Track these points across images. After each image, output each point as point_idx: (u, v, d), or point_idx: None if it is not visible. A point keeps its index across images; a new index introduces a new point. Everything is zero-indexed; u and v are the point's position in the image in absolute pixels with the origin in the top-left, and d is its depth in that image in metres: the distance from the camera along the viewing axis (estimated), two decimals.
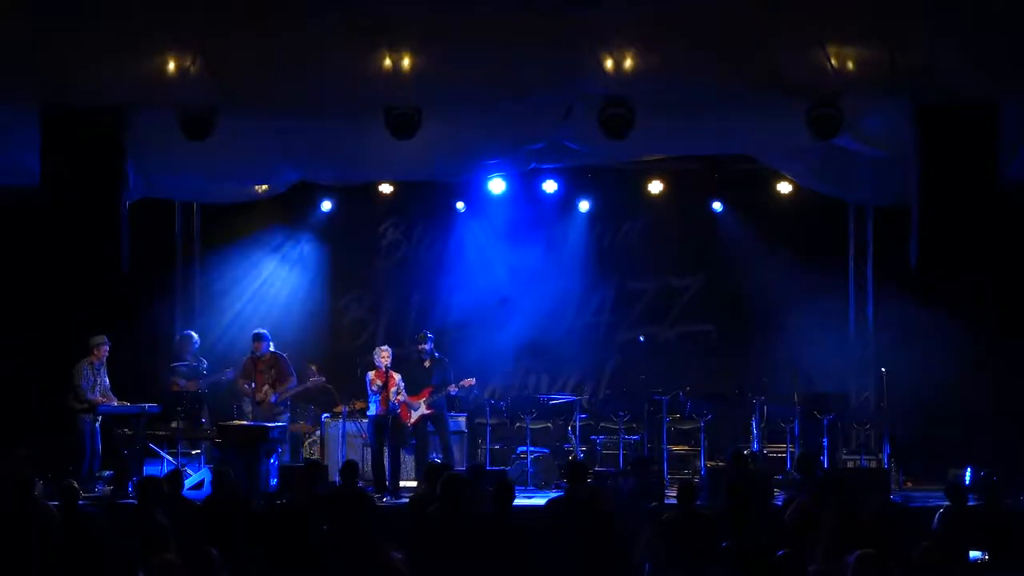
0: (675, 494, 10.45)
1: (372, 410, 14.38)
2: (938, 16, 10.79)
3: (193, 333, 15.78)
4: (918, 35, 10.84)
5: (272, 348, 14.87)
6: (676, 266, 17.28)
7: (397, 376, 14.47)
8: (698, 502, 10.38)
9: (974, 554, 9.22)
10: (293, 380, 14.94)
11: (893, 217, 13.85)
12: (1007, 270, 13.48)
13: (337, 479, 11.53)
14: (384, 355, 14.45)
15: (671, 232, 17.21)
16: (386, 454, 14.21)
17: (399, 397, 14.39)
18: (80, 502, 10.25)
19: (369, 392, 14.42)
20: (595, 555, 9.51)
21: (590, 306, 17.38)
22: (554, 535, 9.69)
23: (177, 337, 15.99)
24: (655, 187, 16.76)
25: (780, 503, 11.18)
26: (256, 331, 14.94)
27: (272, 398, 14.67)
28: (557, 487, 14.28)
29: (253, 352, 14.77)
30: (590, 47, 11.12)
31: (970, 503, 10.38)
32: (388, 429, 14.20)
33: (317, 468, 12.05)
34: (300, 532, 9.59)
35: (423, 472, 12.65)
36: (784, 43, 11.04)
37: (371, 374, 14.41)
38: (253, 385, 14.62)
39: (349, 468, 10.92)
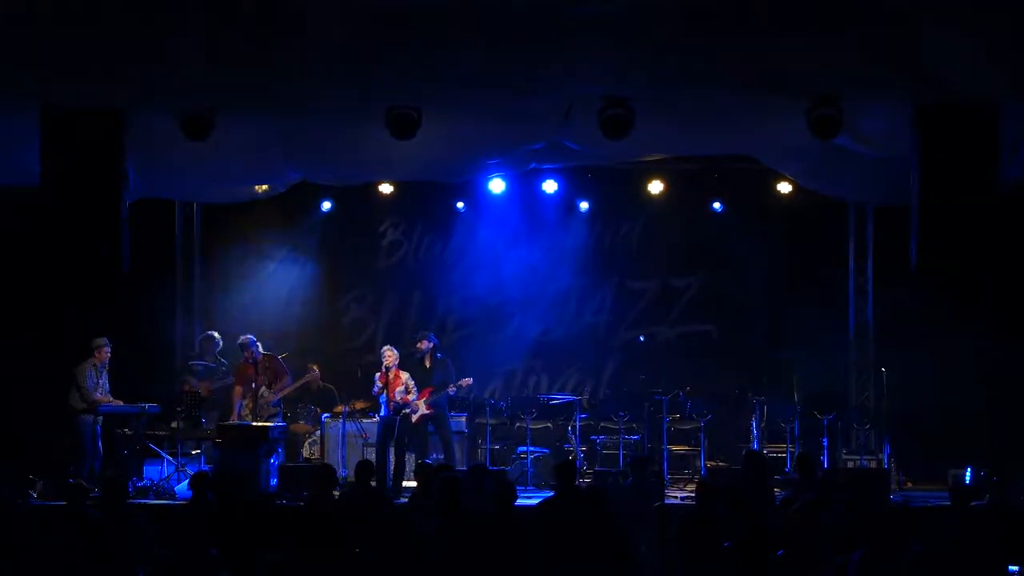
0: (679, 494, 10.45)
1: (382, 411, 14.40)
2: (938, 16, 10.79)
3: (215, 334, 15.80)
4: (918, 35, 10.84)
5: (262, 350, 14.85)
6: (676, 266, 17.28)
7: (404, 375, 14.46)
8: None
9: (1013, 568, 9.22)
10: (289, 378, 14.96)
11: (893, 217, 13.86)
12: (1007, 270, 13.48)
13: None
14: (389, 355, 14.44)
15: (671, 232, 17.21)
16: (390, 454, 14.21)
17: (408, 396, 14.38)
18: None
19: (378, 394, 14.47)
20: (594, 556, 9.51)
21: (590, 306, 17.38)
22: (548, 537, 9.68)
23: (200, 337, 15.99)
24: (655, 187, 16.77)
25: (779, 503, 11.17)
26: (242, 340, 14.85)
27: (273, 401, 14.68)
28: (551, 487, 14.30)
29: (246, 359, 14.74)
30: (590, 47, 11.11)
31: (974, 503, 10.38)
32: (394, 430, 14.19)
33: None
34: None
35: (414, 472, 12.65)
36: (784, 43, 11.03)
37: (377, 375, 14.44)
38: (254, 386, 14.60)
39: (363, 468, 10.90)
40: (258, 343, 14.80)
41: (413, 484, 13.99)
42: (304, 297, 17.27)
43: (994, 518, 9.86)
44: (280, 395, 14.80)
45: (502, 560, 9.23)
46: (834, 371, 16.15)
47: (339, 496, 10.87)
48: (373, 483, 11.71)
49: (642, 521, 10.64)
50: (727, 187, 16.83)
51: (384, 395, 14.28)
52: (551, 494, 12.79)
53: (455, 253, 17.38)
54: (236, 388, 14.83)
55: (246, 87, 11.44)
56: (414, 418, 14.49)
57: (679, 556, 9.59)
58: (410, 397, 14.39)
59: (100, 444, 14.14)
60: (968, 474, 14.22)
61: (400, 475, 14.21)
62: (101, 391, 14.18)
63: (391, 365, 14.41)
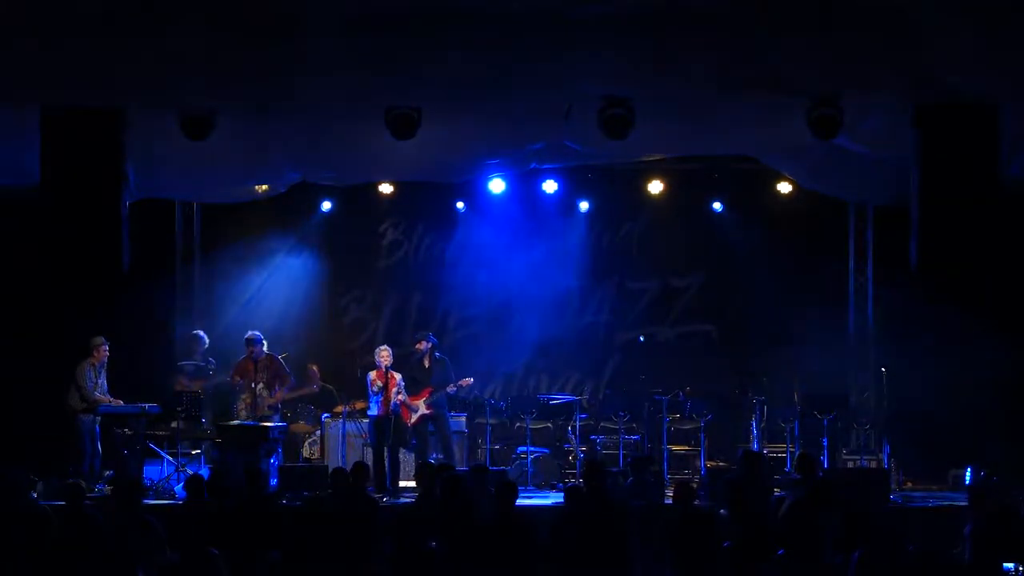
0: (672, 495, 10.48)
1: (373, 410, 14.37)
2: (938, 16, 10.80)
3: (202, 332, 15.78)
4: (918, 35, 10.85)
5: (266, 350, 14.85)
6: (676, 266, 17.28)
7: (398, 376, 14.47)
8: (697, 502, 10.40)
9: (1007, 565, 9.21)
10: (292, 379, 14.95)
11: (893, 217, 13.86)
12: (1007, 270, 13.48)
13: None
14: (384, 355, 14.44)
15: (671, 232, 17.21)
16: (386, 454, 14.22)
17: (400, 397, 14.39)
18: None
19: (370, 392, 14.42)
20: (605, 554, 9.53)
21: (590, 306, 17.38)
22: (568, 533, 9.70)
23: (187, 336, 15.98)
24: (655, 187, 16.77)
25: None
26: (249, 335, 14.87)
27: (275, 402, 14.67)
28: (553, 487, 14.31)
29: (249, 355, 14.73)
30: (590, 47, 11.12)
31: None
32: (389, 429, 14.19)
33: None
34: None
35: (415, 473, 12.64)
36: (784, 43, 11.04)
37: (372, 374, 14.41)
38: (253, 385, 14.59)
39: (359, 470, 10.90)
40: (264, 342, 14.80)
41: (410, 484, 14.04)
42: (304, 297, 17.25)
43: (995, 518, 9.87)
44: (278, 397, 14.78)
45: (504, 560, 9.24)
46: (834, 371, 16.13)
47: (335, 498, 10.86)
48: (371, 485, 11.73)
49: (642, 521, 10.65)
50: (727, 187, 16.82)
51: (381, 394, 14.26)
52: (550, 493, 12.83)
53: (455, 253, 17.37)
54: (234, 377, 14.80)
55: (246, 87, 11.45)
56: (413, 419, 14.51)
57: (671, 557, 9.60)
58: (401, 398, 14.41)
59: (99, 443, 14.12)
60: (968, 474, 14.22)
61: (397, 475, 14.22)
62: (100, 391, 14.18)
63: (390, 365, 14.42)
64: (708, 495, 12.74)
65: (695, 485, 12.23)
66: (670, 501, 12.76)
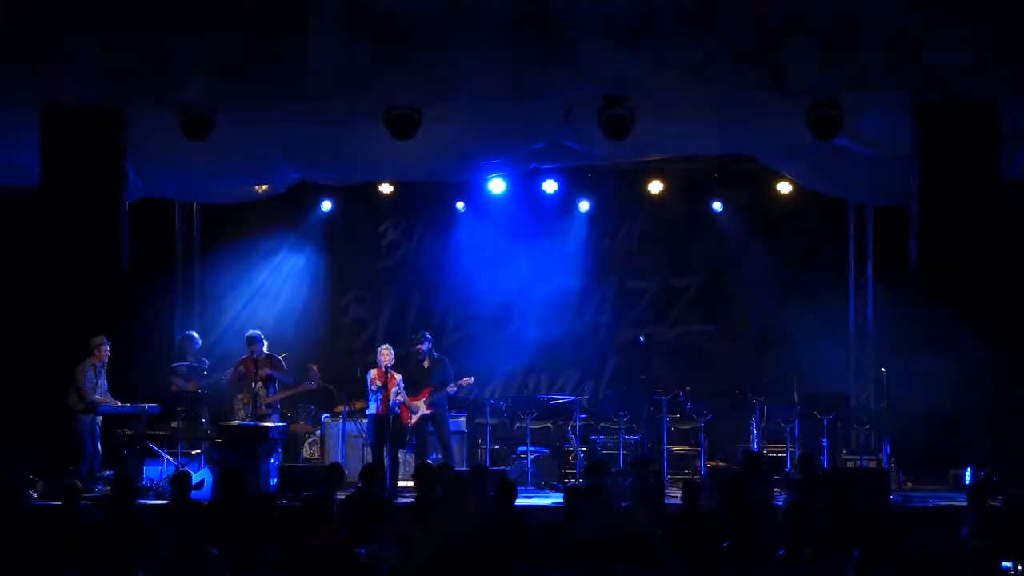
0: (681, 493, 10.49)
1: (371, 408, 14.37)
2: (938, 16, 10.81)
3: (194, 333, 15.79)
4: (918, 35, 10.86)
5: (266, 350, 14.85)
6: (676, 266, 17.28)
7: (398, 376, 14.47)
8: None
9: (1006, 564, 9.21)
10: (289, 377, 14.94)
11: (893, 217, 13.86)
12: (1007, 269, 13.48)
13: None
14: (386, 354, 14.43)
15: (671, 232, 17.22)
16: (386, 454, 14.21)
17: (399, 397, 14.39)
18: (81, 502, 10.25)
19: (369, 391, 14.41)
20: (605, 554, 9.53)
21: (590, 306, 17.39)
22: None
23: (178, 338, 15.98)
24: (655, 187, 16.77)
25: (781, 503, 11.18)
26: (250, 333, 14.87)
27: (274, 401, 14.67)
28: (553, 487, 14.30)
29: (250, 354, 14.74)
30: (590, 47, 11.13)
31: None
32: (388, 429, 14.19)
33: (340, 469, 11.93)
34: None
35: (413, 473, 12.65)
36: (784, 43, 11.05)
37: (372, 373, 14.41)
38: (252, 384, 14.61)
39: (369, 471, 10.90)
40: (264, 342, 14.80)
41: (410, 484, 14.02)
42: (304, 297, 17.25)
43: (995, 518, 9.87)
44: (274, 399, 14.78)
45: (503, 560, 9.23)
46: (834, 371, 16.14)
47: (344, 498, 10.89)
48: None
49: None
50: (727, 187, 16.82)
51: (381, 393, 14.26)
52: (550, 493, 12.80)
53: (455, 253, 17.36)
54: (235, 371, 14.81)
55: (246, 86, 11.46)
56: (413, 419, 14.51)
57: (671, 557, 9.59)
58: (400, 398, 14.42)
59: (99, 443, 14.12)
60: (968, 474, 14.21)
61: (396, 474, 14.22)
62: (100, 391, 14.16)
63: (391, 364, 14.42)
64: (708, 495, 12.73)
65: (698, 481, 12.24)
66: (670, 501, 12.83)
